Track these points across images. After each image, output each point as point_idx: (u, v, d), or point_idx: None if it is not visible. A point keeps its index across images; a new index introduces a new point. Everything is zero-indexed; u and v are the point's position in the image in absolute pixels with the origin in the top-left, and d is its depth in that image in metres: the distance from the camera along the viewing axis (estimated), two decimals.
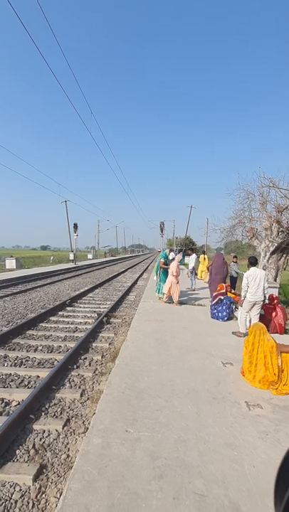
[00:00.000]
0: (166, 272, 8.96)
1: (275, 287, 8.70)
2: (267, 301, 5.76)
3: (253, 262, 5.56)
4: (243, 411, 2.89)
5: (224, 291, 6.71)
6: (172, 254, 20.25)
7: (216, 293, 6.77)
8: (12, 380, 4.10)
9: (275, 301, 5.86)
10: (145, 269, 24.22)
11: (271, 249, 13.31)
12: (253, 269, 5.42)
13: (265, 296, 5.23)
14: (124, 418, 2.65)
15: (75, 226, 27.48)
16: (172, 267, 8.24)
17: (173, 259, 9.22)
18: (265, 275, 5.25)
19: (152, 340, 5.05)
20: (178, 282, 8.33)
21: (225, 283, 7.21)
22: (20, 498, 2.25)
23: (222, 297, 6.66)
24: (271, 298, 5.97)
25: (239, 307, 6.03)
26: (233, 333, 5.68)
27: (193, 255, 12.49)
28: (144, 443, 2.32)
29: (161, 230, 28.29)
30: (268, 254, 14.24)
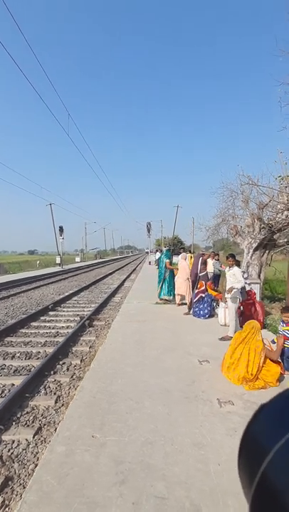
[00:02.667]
0: (172, 273, 8.69)
1: (257, 283, 8.81)
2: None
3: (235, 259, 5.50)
4: (215, 409, 2.87)
5: (204, 288, 6.74)
6: (158, 254, 20.14)
7: (196, 291, 6.80)
8: None
9: (254, 297, 5.93)
10: (133, 270, 24.15)
11: (254, 245, 13.52)
12: (237, 267, 5.34)
13: None
14: (92, 423, 2.59)
15: (61, 229, 27.15)
16: (185, 267, 7.79)
17: (163, 257, 9.01)
18: None
19: (131, 342, 5.00)
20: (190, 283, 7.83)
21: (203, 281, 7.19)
22: None
23: (203, 295, 6.68)
24: (249, 294, 6.03)
25: (222, 305, 6.04)
26: (221, 339, 5.15)
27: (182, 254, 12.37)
28: (110, 448, 2.27)
29: (148, 231, 28.37)
30: (251, 250, 14.44)
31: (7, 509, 2.21)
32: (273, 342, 3.83)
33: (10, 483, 2.42)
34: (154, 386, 3.33)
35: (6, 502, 2.26)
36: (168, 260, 8.81)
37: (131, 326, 5.99)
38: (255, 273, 13.00)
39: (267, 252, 13.29)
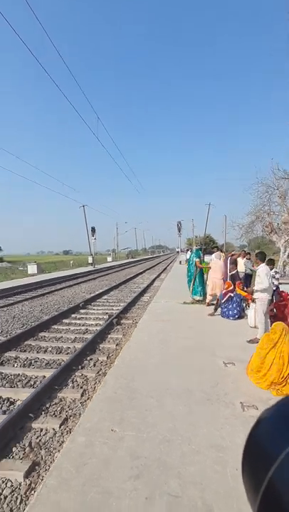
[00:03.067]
0: (202, 272, 8.58)
1: None
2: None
3: (264, 258, 5.34)
4: (237, 412, 2.79)
5: (232, 288, 6.53)
6: (189, 253, 19.94)
7: (224, 291, 6.60)
8: (19, 380, 4.26)
9: (287, 298, 5.61)
10: (163, 270, 24.11)
11: None
12: (265, 265, 5.18)
13: None
14: (111, 417, 2.67)
15: (93, 230, 28.07)
16: (221, 266, 7.51)
17: (193, 256, 8.90)
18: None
19: (156, 341, 5.02)
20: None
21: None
22: (10, 493, 2.33)
23: (231, 294, 6.47)
24: (282, 295, 5.72)
25: (253, 306, 5.81)
26: (249, 341, 4.96)
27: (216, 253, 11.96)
28: (127, 442, 2.32)
29: (179, 230, 28.11)
30: (288, 249, 13.63)
31: (33, 492, 2.37)
32: None
33: (37, 468, 2.58)
34: (175, 386, 3.32)
35: (32, 485, 2.42)
36: (198, 259, 8.64)
37: (157, 325, 6.01)
38: None
39: None
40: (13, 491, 2.35)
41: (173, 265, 29.10)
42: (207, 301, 7.98)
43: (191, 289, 8.77)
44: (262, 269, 4.85)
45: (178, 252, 36.51)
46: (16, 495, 2.32)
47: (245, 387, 3.31)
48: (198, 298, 8.54)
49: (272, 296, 5.99)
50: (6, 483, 2.42)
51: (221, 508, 1.72)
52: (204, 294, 8.38)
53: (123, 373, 3.67)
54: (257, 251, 5.66)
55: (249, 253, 10.78)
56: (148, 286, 13.63)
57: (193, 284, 8.65)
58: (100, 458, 2.16)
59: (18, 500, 2.26)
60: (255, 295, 4.92)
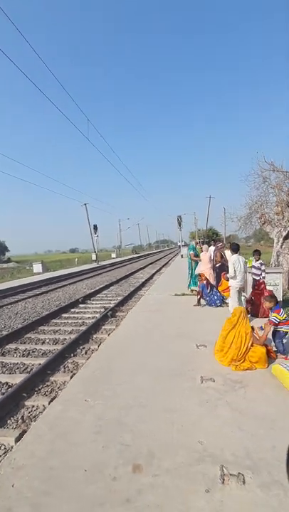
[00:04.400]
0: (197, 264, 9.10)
1: (279, 272, 8.60)
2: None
3: (235, 248, 5.82)
4: (196, 384, 3.22)
5: (205, 277, 7.00)
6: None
7: (205, 282, 7.00)
8: (18, 368, 4.78)
9: (262, 286, 5.96)
10: (165, 264, 24.51)
11: (284, 234, 12.98)
12: (236, 256, 5.66)
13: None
14: (87, 391, 3.15)
15: (95, 227, 28.65)
16: (206, 258, 8.05)
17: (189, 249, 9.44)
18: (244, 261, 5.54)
19: (141, 329, 5.47)
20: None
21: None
22: (3, 454, 2.83)
23: (211, 283, 6.91)
24: (258, 283, 6.07)
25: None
26: None
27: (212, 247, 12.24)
28: (96, 409, 2.79)
29: (179, 224, 28.35)
30: (281, 239, 13.85)
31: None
32: (262, 328, 3.98)
33: (26, 434, 3.08)
34: (148, 365, 3.78)
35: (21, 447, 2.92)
36: (192, 252, 9.14)
37: (145, 315, 6.47)
38: (286, 263, 12.52)
39: None
40: (6, 452, 2.86)
41: (175, 259, 29.47)
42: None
43: (188, 281, 9.29)
44: (230, 259, 5.27)
45: (179, 246, 36.80)
46: (8, 455, 2.82)
47: (210, 364, 3.74)
48: (196, 288, 9.01)
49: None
50: (0, 447, 2.93)
51: (161, 453, 2.17)
52: None
53: (105, 357, 4.15)
54: (233, 242, 6.09)
55: (237, 244, 11.11)
56: (147, 281, 14.07)
57: (191, 276, 9.14)
58: (71, 420, 2.64)
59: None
60: (229, 282, 5.35)
